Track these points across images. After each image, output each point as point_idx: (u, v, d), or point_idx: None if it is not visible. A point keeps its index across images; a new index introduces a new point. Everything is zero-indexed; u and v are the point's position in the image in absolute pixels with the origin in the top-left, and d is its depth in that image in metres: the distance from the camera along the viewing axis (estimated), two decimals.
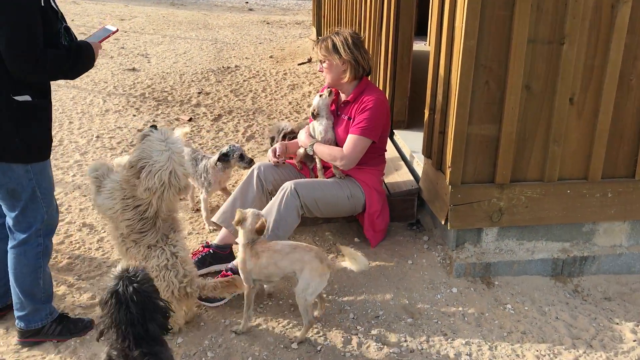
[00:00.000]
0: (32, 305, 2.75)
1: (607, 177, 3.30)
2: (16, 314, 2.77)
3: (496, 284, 3.29)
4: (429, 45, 3.36)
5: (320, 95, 3.47)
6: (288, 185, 3.27)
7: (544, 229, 3.40)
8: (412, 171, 4.06)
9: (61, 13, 2.59)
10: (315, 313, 2.96)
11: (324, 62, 3.40)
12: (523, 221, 3.32)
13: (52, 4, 2.52)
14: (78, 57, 2.56)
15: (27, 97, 2.51)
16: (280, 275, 2.83)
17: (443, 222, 3.33)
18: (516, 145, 3.18)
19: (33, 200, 2.63)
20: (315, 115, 3.47)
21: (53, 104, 3.07)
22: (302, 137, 3.56)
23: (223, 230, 3.36)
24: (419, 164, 4.00)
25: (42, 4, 2.43)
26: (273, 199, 3.28)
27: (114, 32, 2.86)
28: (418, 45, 8.60)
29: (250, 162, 3.66)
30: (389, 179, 3.94)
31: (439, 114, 3.33)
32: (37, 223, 2.67)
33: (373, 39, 5.13)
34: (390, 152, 4.40)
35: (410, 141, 4.46)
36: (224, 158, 3.64)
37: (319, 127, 3.48)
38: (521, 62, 3.00)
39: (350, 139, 3.35)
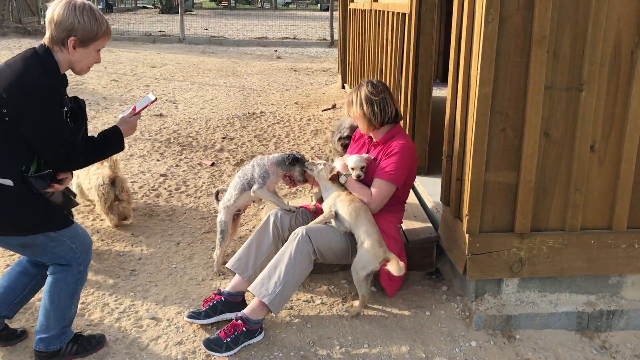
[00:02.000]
0: (58, 329, 2.82)
1: (633, 227, 3.18)
2: (38, 335, 2.83)
3: (517, 337, 3.15)
4: (447, 91, 3.32)
5: (362, 159, 3.47)
6: (300, 231, 3.23)
7: (568, 281, 3.27)
8: (432, 218, 3.98)
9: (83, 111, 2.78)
10: (357, 302, 3.32)
11: (355, 119, 3.55)
12: (545, 272, 3.20)
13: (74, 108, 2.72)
14: (104, 148, 2.75)
15: (8, 182, 2.55)
16: (349, 228, 3.26)
17: (462, 272, 3.23)
18: (536, 194, 3.09)
19: (52, 241, 2.71)
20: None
21: None
22: (337, 166, 3.54)
23: (236, 277, 3.32)
24: (438, 211, 3.93)
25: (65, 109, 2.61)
26: (285, 245, 3.24)
27: (152, 101, 2.97)
28: (442, 91, 8.63)
29: (302, 176, 3.56)
30: (407, 225, 3.86)
31: (455, 161, 3.27)
32: (71, 257, 2.77)
33: (393, 85, 5.14)
34: (409, 198, 4.34)
35: (429, 187, 4.40)
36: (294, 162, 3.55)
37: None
38: (538, 108, 2.94)
39: (376, 183, 3.35)
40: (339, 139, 3.91)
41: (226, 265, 3.41)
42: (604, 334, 3.23)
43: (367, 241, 3.16)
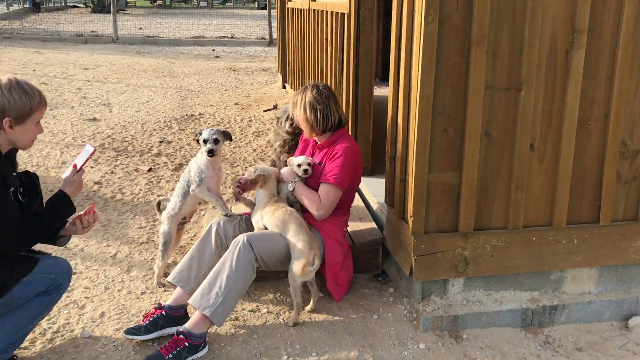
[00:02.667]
0: (4, 343, 2.70)
1: (573, 223, 3.24)
2: None
3: (465, 337, 3.15)
4: (389, 92, 3.29)
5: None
6: (241, 238, 3.12)
7: (512, 278, 3.31)
8: (377, 220, 3.95)
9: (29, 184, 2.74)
10: (308, 308, 3.29)
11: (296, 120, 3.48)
12: (489, 270, 3.22)
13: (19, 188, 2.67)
14: (53, 217, 2.69)
15: None
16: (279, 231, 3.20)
17: (408, 274, 3.21)
18: (478, 193, 3.10)
19: (29, 284, 2.68)
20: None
21: None
22: (284, 173, 3.46)
23: (178, 290, 3.18)
24: (383, 212, 3.90)
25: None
26: (225, 253, 3.13)
27: (92, 153, 2.87)
28: (382, 90, 8.67)
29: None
30: (353, 227, 3.82)
31: (399, 162, 3.25)
32: (53, 285, 2.74)
33: (334, 86, 5.09)
34: (355, 199, 4.30)
35: (373, 188, 4.38)
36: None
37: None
38: (479, 109, 2.95)
39: (322, 188, 3.29)
40: (288, 118, 3.80)
41: (167, 279, 3.27)
42: (547, 329, 3.28)
43: (296, 247, 3.11)
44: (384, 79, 9.62)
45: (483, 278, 3.28)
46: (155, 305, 3.14)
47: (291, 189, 3.33)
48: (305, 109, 3.33)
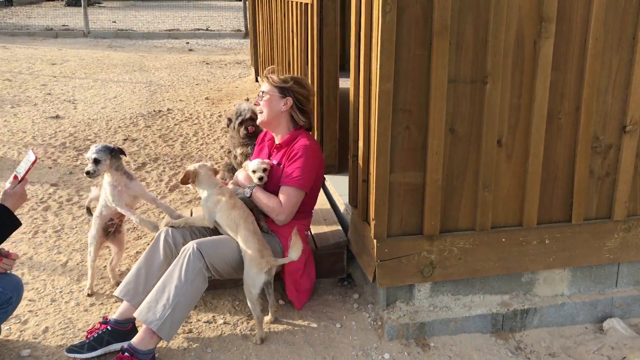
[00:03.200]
0: None
1: (544, 223, 3.08)
2: None
3: (432, 345, 2.99)
4: (350, 87, 3.10)
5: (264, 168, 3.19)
6: (190, 246, 2.90)
7: (481, 282, 3.14)
8: (342, 221, 3.77)
9: None
10: (267, 319, 3.10)
11: (265, 95, 3.18)
12: (457, 274, 3.05)
13: None
14: None
15: None
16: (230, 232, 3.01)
17: (371, 280, 3.02)
18: (444, 193, 2.92)
19: None
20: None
21: None
22: (240, 177, 3.25)
23: (125, 304, 2.96)
24: (348, 212, 3.72)
25: None
26: (173, 262, 2.91)
27: (34, 161, 2.65)
28: (345, 82, 8.47)
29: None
30: (317, 230, 3.63)
31: (361, 161, 3.06)
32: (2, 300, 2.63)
33: None
34: (320, 198, 4.11)
35: (341, 187, 4.18)
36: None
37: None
38: (443, 103, 2.77)
39: (284, 190, 3.09)
40: (241, 122, 3.55)
41: (114, 293, 3.04)
42: (518, 333, 3.12)
43: (247, 254, 2.90)
44: (343, 70, 9.41)
45: (451, 282, 3.11)
46: (100, 320, 2.93)
47: (248, 195, 3.12)
48: (293, 93, 3.16)
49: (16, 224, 2.65)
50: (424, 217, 2.93)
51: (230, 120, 3.60)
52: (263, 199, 3.11)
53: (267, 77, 3.21)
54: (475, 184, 2.94)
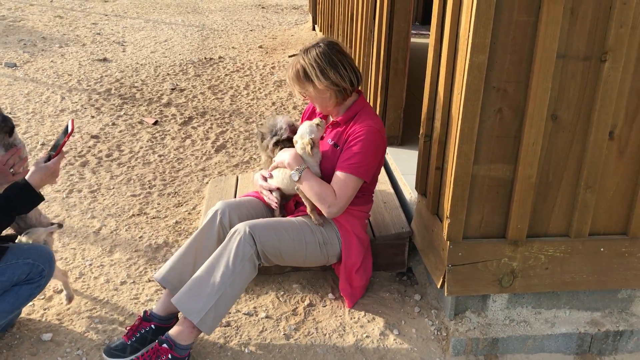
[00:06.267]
0: None
1: None
2: None
3: None
4: (428, 54, 2.58)
5: (318, 125, 2.69)
6: (241, 229, 2.51)
7: (568, 295, 2.66)
8: (404, 205, 3.30)
9: None
10: None
11: (304, 95, 2.69)
12: (542, 286, 2.58)
13: None
14: (6, 212, 2.23)
15: None
16: None
17: (439, 286, 2.59)
18: (536, 192, 2.42)
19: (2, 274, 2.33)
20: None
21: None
22: (286, 158, 2.68)
23: (166, 295, 2.59)
24: (412, 195, 3.25)
25: None
26: (221, 246, 2.53)
27: (72, 131, 2.29)
28: (425, 38, 7.80)
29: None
30: (375, 215, 3.19)
31: (435, 144, 2.57)
32: (33, 271, 2.39)
33: (364, 38, 4.35)
34: (380, 176, 3.65)
35: (403, 162, 3.71)
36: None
37: (310, 160, 2.70)
38: (547, 83, 2.23)
39: (339, 177, 2.59)
40: (276, 143, 2.88)
41: (154, 277, 2.68)
42: (608, 358, 2.65)
43: None
44: (424, 23, 8.73)
45: (532, 294, 2.64)
46: (141, 316, 2.57)
47: (296, 179, 2.62)
48: (320, 75, 2.58)
49: (35, 200, 2.30)
50: (510, 219, 2.45)
51: (263, 136, 2.96)
52: (314, 185, 2.61)
53: (292, 79, 2.66)
54: (575, 182, 2.43)
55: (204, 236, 2.67)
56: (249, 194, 2.99)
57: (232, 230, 2.55)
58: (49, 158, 2.31)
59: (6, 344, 2.52)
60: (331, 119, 2.78)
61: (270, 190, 2.82)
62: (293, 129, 2.82)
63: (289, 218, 2.75)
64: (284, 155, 2.68)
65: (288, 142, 2.81)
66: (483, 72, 2.20)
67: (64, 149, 2.33)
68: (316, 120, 2.70)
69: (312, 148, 2.61)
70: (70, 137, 2.36)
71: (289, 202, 2.81)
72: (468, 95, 2.24)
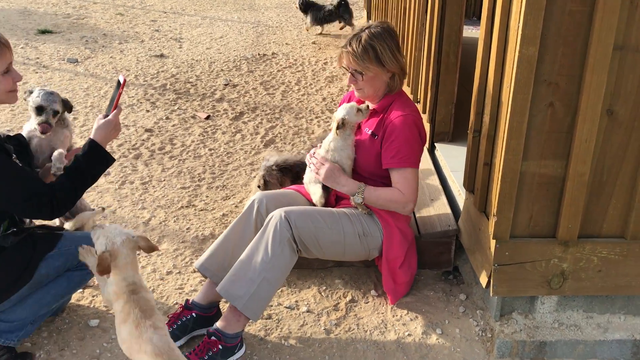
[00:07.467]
0: (19, 321, 2.36)
1: None
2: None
3: None
4: (478, 47, 2.50)
5: (359, 110, 2.66)
6: (277, 214, 2.51)
7: (623, 300, 2.54)
8: (452, 203, 3.23)
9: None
10: None
11: (362, 73, 2.60)
12: (594, 289, 2.46)
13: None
14: (82, 174, 2.26)
15: None
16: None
17: (484, 285, 2.51)
18: (589, 190, 2.31)
19: (57, 258, 2.40)
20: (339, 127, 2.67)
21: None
22: (341, 180, 2.66)
23: (207, 285, 2.63)
24: (460, 193, 3.17)
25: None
26: (259, 232, 2.54)
27: (123, 85, 2.33)
28: (470, 31, 7.61)
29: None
30: (422, 212, 3.13)
31: (484, 139, 2.50)
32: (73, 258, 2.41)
33: (416, 32, 4.27)
34: (427, 172, 3.59)
35: (453, 158, 3.62)
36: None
37: (339, 142, 2.70)
38: (602, 77, 2.12)
39: (397, 176, 2.59)
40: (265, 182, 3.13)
41: (195, 266, 2.71)
42: None
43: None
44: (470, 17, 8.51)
45: (584, 297, 2.53)
46: (183, 304, 2.61)
47: (360, 201, 2.61)
48: (393, 57, 2.56)
49: (108, 159, 2.33)
50: (560, 218, 2.35)
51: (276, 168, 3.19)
52: (381, 194, 2.60)
53: (355, 53, 2.59)
54: (632, 181, 2.30)
55: (241, 225, 2.69)
56: (289, 187, 2.99)
57: (269, 216, 2.55)
58: (107, 115, 2.35)
59: (56, 328, 2.61)
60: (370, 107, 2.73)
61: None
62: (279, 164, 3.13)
63: (328, 208, 2.73)
64: (332, 175, 2.66)
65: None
66: (533, 65, 2.12)
67: (120, 101, 2.37)
68: (364, 105, 2.67)
69: (340, 128, 2.61)
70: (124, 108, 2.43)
71: (330, 197, 2.79)
72: (517, 89, 2.16)
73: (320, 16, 8.24)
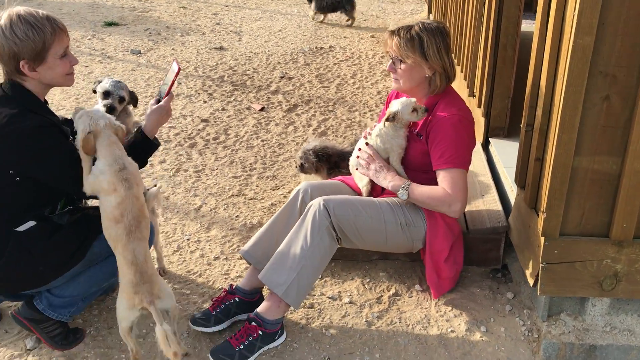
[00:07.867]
0: (70, 297, 2.45)
1: None
2: (51, 298, 2.44)
3: None
4: (533, 39, 2.43)
5: (415, 109, 2.60)
6: (316, 202, 2.52)
7: None
8: (504, 200, 3.14)
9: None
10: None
11: (401, 61, 2.57)
12: None
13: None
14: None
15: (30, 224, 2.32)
16: None
17: (531, 284, 2.43)
18: None
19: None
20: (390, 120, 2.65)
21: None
22: (386, 176, 2.65)
23: (251, 271, 2.67)
24: (512, 189, 3.09)
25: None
26: (299, 220, 2.56)
27: (177, 73, 2.41)
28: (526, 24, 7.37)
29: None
30: (471, 206, 3.06)
31: (536, 134, 2.42)
32: None
33: (473, 25, 4.17)
34: (479, 167, 3.50)
35: (507, 154, 3.52)
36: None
37: (390, 130, 2.67)
38: None
39: (444, 176, 2.52)
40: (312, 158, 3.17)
41: (240, 252, 2.75)
42: None
43: (120, 285, 2.22)
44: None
45: (639, 301, 2.42)
46: (227, 288, 2.66)
47: (404, 198, 2.57)
48: (438, 53, 2.52)
49: (154, 145, 2.48)
50: (614, 216, 2.25)
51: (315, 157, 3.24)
52: (425, 191, 2.55)
53: (403, 39, 2.53)
54: None
55: (286, 214, 2.72)
56: (335, 178, 2.98)
57: (309, 204, 2.56)
58: (158, 100, 2.46)
59: (107, 307, 2.71)
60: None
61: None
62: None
63: (369, 197, 2.71)
64: (376, 172, 2.66)
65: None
66: (588, 55, 2.03)
67: (172, 90, 2.46)
68: (423, 107, 2.62)
69: (390, 121, 2.60)
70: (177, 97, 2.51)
71: (376, 186, 2.77)
72: (570, 80, 2.08)
73: (324, 4, 8.33)
